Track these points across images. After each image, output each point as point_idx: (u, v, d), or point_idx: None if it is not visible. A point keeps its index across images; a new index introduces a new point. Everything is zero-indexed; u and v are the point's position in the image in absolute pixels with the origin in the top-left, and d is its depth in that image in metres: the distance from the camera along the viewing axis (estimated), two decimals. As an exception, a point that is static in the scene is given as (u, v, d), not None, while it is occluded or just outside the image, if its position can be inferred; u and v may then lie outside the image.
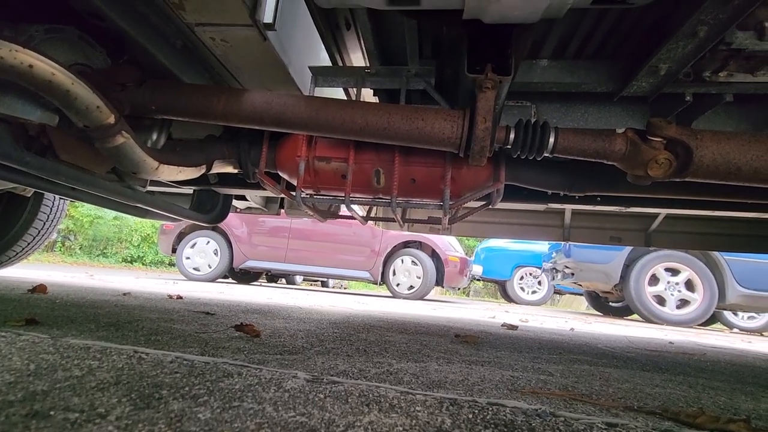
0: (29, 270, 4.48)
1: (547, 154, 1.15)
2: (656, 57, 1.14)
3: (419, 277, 6.07)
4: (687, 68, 1.19)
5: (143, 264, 12.87)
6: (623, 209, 1.80)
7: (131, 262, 12.78)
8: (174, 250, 6.32)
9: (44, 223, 2.56)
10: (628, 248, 5.22)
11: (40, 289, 1.97)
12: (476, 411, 0.59)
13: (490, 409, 0.60)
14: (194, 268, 6.14)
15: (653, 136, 1.09)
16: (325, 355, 1.00)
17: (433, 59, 1.37)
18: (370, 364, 0.94)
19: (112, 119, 1.09)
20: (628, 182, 1.21)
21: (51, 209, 2.56)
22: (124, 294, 2.35)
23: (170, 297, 2.47)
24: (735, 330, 6.36)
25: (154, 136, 1.39)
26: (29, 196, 2.38)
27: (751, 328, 6.38)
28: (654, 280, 5.18)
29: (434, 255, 6.22)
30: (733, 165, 1.06)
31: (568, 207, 2.33)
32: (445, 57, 1.31)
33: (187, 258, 6.16)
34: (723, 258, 5.06)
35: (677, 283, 5.12)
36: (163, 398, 0.53)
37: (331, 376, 0.74)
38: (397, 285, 6.17)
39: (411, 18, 1.08)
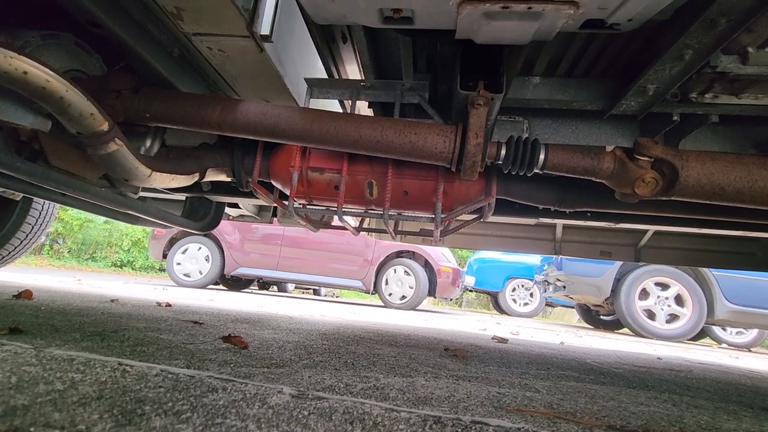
0: (15, 273, 4.41)
1: (537, 170, 1.17)
2: (644, 78, 1.17)
3: (411, 287, 6.07)
4: (674, 89, 1.22)
5: (133, 269, 12.72)
6: (613, 225, 1.82)
7: (121, 266, 12.63)
8: (165, 256, 6.26)
9: (33, 227, 2.53)
10: (619, 263, 5.26)
11: (25, 294, 1.94)
12: (459, 429, 0.59)
13: (474, 427, 0.61)
14: (185, 274, 6.09)
15: (640, 156, 1.11)
16: (312, 369, 0.99)
17: (428, 74, 1.39)
18: (357, 378, 0.94)
19: (105, 126, 1.09)
20: (617, 199, 1.23)
21: (40, 213, 2.54)
22: (112, 301, 2.32)
23: (159, 304, 2.44)
24: (723, 345, 6.40)
25: (148, 144, 1.39)
26: (18, 199, 2.36)
27: (739, 344, 6.43)
28: (644, 294, 5.22)
29: (427, 265, 6.23)
30: (717, 185, 1.08)
31: (559, 221, 2.35)
32: (439, 73, 1.33)
33: (178, 264, 6.10)
34: (712, 274, 5.11)
35: (667, 298, 5.17)
36: (145, 414, 0.52)
37: (317, 391, 0.74)
38: (390, 295, 6.15)
39: (405, 35, 1.10)
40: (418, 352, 1.54)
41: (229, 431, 0.50)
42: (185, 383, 0.68)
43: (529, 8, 0.80)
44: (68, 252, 12.40)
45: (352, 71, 1.54)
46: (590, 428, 0.69)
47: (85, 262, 12.21)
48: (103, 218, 11.80)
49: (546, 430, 0.63)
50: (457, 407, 0.74)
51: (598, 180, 1.17)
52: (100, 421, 0.49)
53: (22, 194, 2.17)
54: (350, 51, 1.43)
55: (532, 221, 2.31)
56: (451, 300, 10.17)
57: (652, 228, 2.31)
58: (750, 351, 5.91)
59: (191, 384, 0.68)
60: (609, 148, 1.31)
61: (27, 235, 2.54)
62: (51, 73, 0.95)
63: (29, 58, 0.92)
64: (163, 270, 11.40)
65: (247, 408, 0.59)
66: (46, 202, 2.55)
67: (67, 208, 10.28)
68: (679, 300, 5.14)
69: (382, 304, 6.37)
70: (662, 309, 5.16)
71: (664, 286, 5.19)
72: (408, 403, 0.73)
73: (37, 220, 2.54)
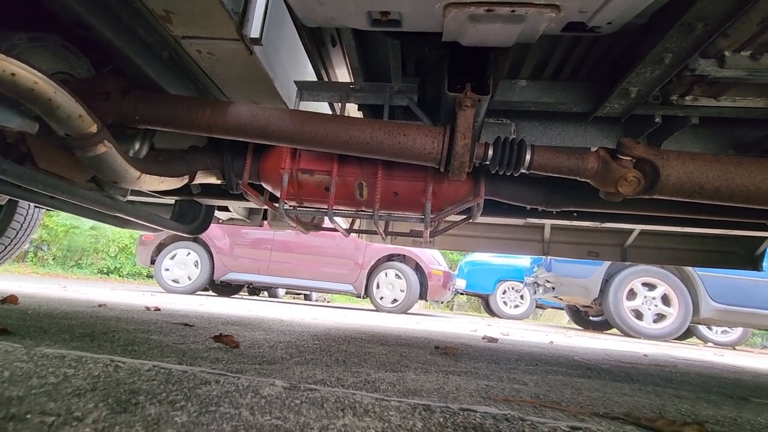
0: (-1, 280, 4.33)
1: (524, 170, 1.20)
2: (626, 80, 1.21)
3: (403, 291, 6.08)
4: (655, 92, 1.26)
5: (120, 276, 12.53)
6: (599, 224, 1.86)
7: (107, 273, 12.43)
8: (153, 262, 6.19)
9: (17, 233, 2.50)
10: (607, 263, 5.34)
11: (10, 299, 1.91)
12: (447, 416, 0.61)
13: (461, 414, 0.63)
14: (173, 280, 6.03)
15: (623, 155, 1.14)
16: (303, 365, 1.01)
17: (416, 77, 1.41)
18: (348, 373, 0.95)
19: (94, 128, 1.09)
20: (602, 199, 1.27)
21: (25, 218, 2.51)
22: (100, 305, 2.30)
23: (148, 309, 2.43)
24: (709, 344, 6.52)
25: (137, 146, 1.39)
26: (2, 204, 2.33)
27: (724, 342, 6.56)
28: (632, 294, 5.31)
29: (418, 268, 6.25)
30: (697, 184, 1.12)
31: (548, 222, 2.40)
32: (427, 75, 1.36)
33: (167, 270, 6.04)
34: (697, 273, 5.22)
35: (654, 298, 5.26)
36: (140, 403, 0.53)
37: (309, 384, 0.76)
38: (381, 298, 6.16)
39: (394, 38, 1.13)
40: (408, 351, 1.56)
41: (223, 417, 0.51)
42: (178, 377, 0.69)
43: (513, 11, 0.83)
44: (53, 259, 12.18)
45: (342, 74, 1.56)
46: (575, 415, 0.72)
47: (71, 269, 12.00)
48: (89, 224, 11.64)
49: (532, 416, 0.66)
50: (447, 398, 0.76)
51: (583, 179, 1.20)
52: (95, 409, 0.50)
53: (7, 199, 2.15)
54: (339, 54, 1.45)
55: (520, 221, 2.35)
56: (442, 303, 10.16)
57: (638, 228, 2.37)
58: (735, 349, 6.03)
59: (184, 377, 0.69)
60: (593, 149, 1.34)
61: (11, 241, 2.51)
62: (39, 74, 0.95)
63: (17, 60, 0.92)
64: (151, 277, 11.25)
65: (240, 398, 0.60)
66: (31, 207, 2.52)
67: (53, 213, 10.10)
68: (665, 300, 5.23)
69: (374, 307, 6.37)
70: (649, 309, 5.25)
71: (651, 287, 5.28)
72: (398, 394, 0.75)
73: (21, 225, 2.51)
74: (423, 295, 6.32)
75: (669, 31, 1.02)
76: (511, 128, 1.52)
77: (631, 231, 2.56)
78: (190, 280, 6.05)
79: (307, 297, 11.00)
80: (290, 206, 1.47)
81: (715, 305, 5.12)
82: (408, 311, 6.36)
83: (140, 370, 0.71)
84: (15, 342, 0.89)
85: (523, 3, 0.82)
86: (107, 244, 12.69)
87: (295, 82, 1.37)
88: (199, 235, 5.61)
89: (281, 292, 10.24)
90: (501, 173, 1.21)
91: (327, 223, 1.81)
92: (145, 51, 1.19)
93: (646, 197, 1.20)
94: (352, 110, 1.59)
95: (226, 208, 2.24)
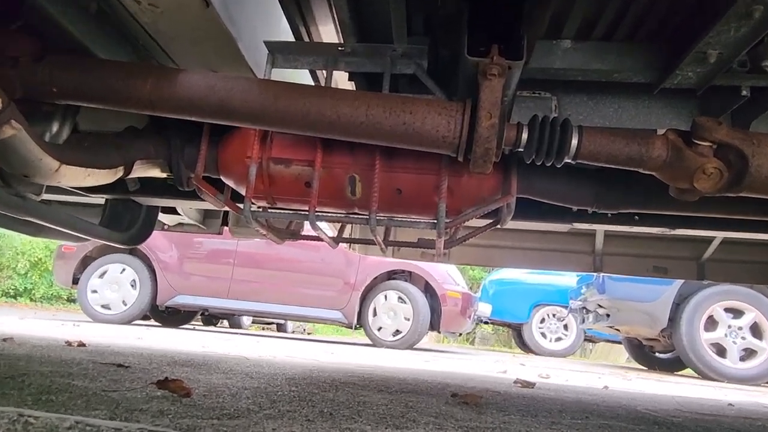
0: None
1: (569, 160, 1.20)
2: (704, 41, 1.20)
3: (408, 319, 6.09)
4: (742, 56, 1.26)
5: (32, 299, 12.55)
6: (668, 231, 1.86)
7: (15, 296, 12.45)
8: (76, 281, 6.20)
9: None
10: (679, 282, 5.33)
11: None
12: (471, 490, 0.61)
13: (490, 487, 0.62)
14: (103, 306, 6.04)
15: (700, 140, 1.14)
16: (277, 420, 1.00)
17: (426, 36, 1.42)
18: (336, 430, 0.94)
19: (-3, 105, 1.09)
20: (673, 197, 1.27)
21: None
22: (4, 339, 2.31)
23: (69, 344, 2.43)
24: (815, 389, 6.53)
25: (55, 128, 1.39)
26: None
27: (835, 387, 6.57)
28: (711, 323, 5.31)
29: (428, 289, 6.26)
30: (798, 178, 1.12)
31: (600, 228, 2.40)
32: (441, 34, 1.36)
33: (94, 291, 6.05)
34: (797, 296, 5.23)
35: (740, 328, 5.25)
36: (58, 475, 0.53)
37: (285, 446, 0.75)
38: (379, 329, 6.17)
39: (396, -16, 1.13)
40: (416, 399, 1.56)
41: (170, 494, 0.51)
42: (110, 438, 0.69)
43: (554, -50, 0.83)
44: (-58, 278, 12.19)
45: (328, 32, 1.57)
46: (639, 488, 0.71)
47: (-34, 291, 12.01)
48: (-9, 231, 11.65)
49: (582, 490, 0.65)
50: (468, 464, 0.75)
51: (646, 172, 1.20)
52: (-2, 483, 0.49)
53: None
54: (324, 5, 1.46)
55: (564, 228, 2.35)
56: (460, 335, 10.19)
57: (720, 235, 2.37)
58: None
59: (117, 439, 0.69)
60: (660, 132, 1.35)
61: None
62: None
63: None
64: (74, 300, 11.25)
65: (193, 466, 0.60)
66: None
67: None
68: (755, 331, 5.23)
69: (370, 341, 6.37)
70: (734, 342, 5.25)
71: (737, 313, 5.28)
72: (404, 460, 0.75)
73: None
74: (435, 325, 6.33)
75: (760, -26, 1.02)
76: (552, 104, 1.52)
77: (710, 240, 2.56)
78: (125, 305, 6.05)
79: (280, 327, 11.01)
80: (259, 207, 1.47)
81: (822, 338, 5.13)
82: (415, 346, 6.36)
83: (59, 427, 0.71)
84: None
85: (568, -61, 0.82)
86: (14, 259, 12.69)
87: (265, 42, 1.37)
88: (138, 246, 5.61)
89: (246, 320, 10.25)
90: (539, 164, 1.22)
91: (308, 229, 1.81)
92: (65, 2, 1.19)
93: (731, 195, 1.20)
94: (342, 80, 1.59)
95: (173, 210, 2.24)
